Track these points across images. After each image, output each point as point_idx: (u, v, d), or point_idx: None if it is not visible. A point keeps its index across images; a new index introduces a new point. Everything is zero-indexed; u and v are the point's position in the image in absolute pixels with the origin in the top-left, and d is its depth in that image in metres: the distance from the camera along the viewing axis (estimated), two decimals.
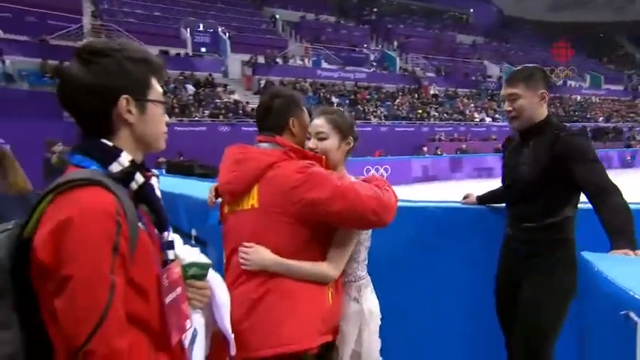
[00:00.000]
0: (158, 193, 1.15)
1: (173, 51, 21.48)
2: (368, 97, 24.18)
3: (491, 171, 16.87)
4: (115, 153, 1.05)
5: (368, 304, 1.78)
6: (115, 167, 1.03)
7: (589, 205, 1.82)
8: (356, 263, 1.78)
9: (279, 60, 24.60)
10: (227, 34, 24.25)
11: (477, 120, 26.31)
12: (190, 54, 22.45)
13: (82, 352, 0.88)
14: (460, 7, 43.09)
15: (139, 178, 1.07)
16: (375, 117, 22.54)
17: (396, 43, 32.87)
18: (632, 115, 33.64)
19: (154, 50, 20.71)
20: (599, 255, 1.46)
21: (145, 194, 1.09)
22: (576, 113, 30.99)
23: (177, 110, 17.56)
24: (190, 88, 19.48)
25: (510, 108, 2.00)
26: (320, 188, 1.56)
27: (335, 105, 22.41)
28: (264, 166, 1.62)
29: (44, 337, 0.95)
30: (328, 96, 23.01)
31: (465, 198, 2.46)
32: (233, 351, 1.42)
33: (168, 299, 1.08)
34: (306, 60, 26.08)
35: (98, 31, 21.07)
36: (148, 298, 1.04)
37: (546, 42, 42.85)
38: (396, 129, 22.25)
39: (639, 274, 1.29)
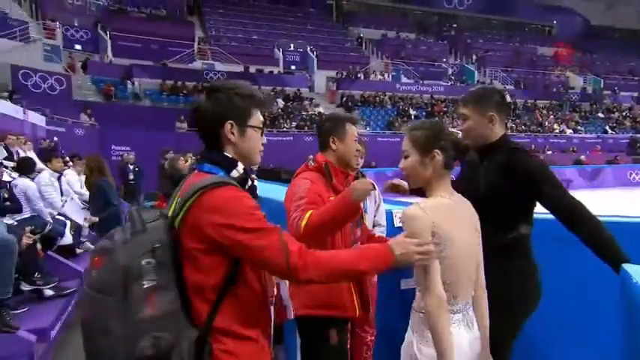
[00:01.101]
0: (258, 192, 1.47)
1: (267, 69, 22.54)
2: (445, 109, 23.47)
3: (569, 183, 15.57)
4: (235, 163, 1.34)
5: (424, 349, 1.44)
6: (234, 173, 1.32)
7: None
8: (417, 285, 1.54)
9: (360, 75, 24.78)
10: (314, 53, 24.91)
11: (557, 131, 24.41)
12: (282, 71, 23.40)
13: (291, 270, 1.22)
14: (543, 20, 40.17)
15: (249, 181, 1.36)
16: (452, 127, 21.76)
17: (474, 57, 31.52)
18: None
19: (251, 69, 21.97)
20: (638, 267, 1.41)
21: (252, 193, 1.36)
22: None
23: (267, 122, 18.39)
24: (280, 102, 20.28)
25: (461, 128, 1.94)
26: (287, 197, 1.99)
27: (412, 117, 22.12)
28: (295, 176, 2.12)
29: (184, 296, 1.23)
30: (406, 108, 22.72)
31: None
32: (291, 315, 1.76)
33: None
34: (386, 75, 25.97)
35: (204, 53, 22.79)
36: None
37: (637, 52, 38.51)
38: None
39: None
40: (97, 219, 5.17)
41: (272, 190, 3.78)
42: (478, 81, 27.76)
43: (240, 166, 1.33)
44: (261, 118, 1.40)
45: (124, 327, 1.12)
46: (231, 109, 1.33)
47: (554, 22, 40.22)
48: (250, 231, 1.20)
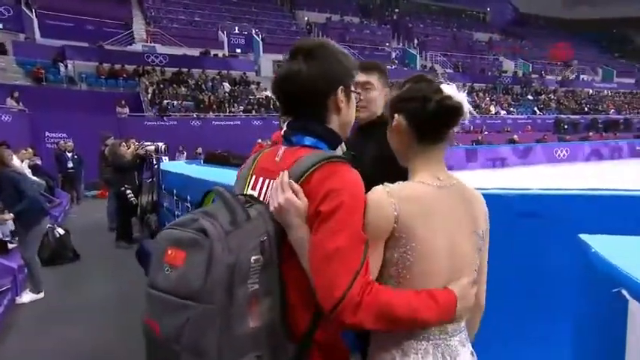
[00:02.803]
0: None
1: (211, 52, 21.71)
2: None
3: (504, 161, 16.46)
4: (340, 139, 1.12)
5: None
6: (338, 151, 1.10)
7: (582, 191, 1.77)
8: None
9: None
10: (260, 36, 24.30)
11: (493, 113, 25.66)
12: (227, 55, 22.65)
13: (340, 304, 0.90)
14: (477, 6, 41.78)
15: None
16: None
17: (416, 42, 32.22)
18: None
19: (194, 52, 21.05)
20: (595, 237, 1.42)
21: None
22: (588, 106, 29.80)
23: (214, 106, 17.79)
24: (226, 86, 19.68)
25: (362, 97, 1.74)
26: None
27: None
28: None
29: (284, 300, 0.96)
30: None
31: None
32: None
33: None
34: None
35: (144, 35, 21.52)
36: None
37: (560, 38, 41.14)
38: None
39: (635, 255, 1.26)
40: (12, 215, 4.65)
41: (221, 175, 3.62)
42: (421, 65, 28.45)
43: (343, 143, 1.13)
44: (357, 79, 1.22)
45: (221, 344, 0.84)
46: (343, 71, 1.09)
47: (488, 9, 41.97)
48: (341, 230, 0.92)
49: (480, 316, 1.19)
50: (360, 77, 1.72)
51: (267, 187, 1.03)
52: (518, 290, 2.15)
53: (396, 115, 1.10)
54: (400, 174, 1.28)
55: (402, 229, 0.99)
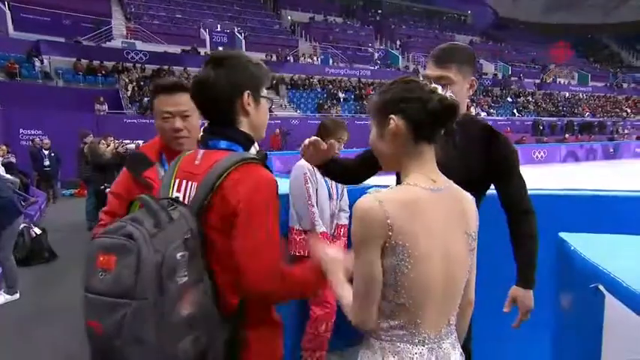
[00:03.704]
0: None
1: (191, 50, 21.47)
2: (372, 92, 24.01)
3: None
4: (252, 140, 1.23)
5: None
6: (252, 151, 1.21)
7: (564, 192, 1.83)
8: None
9: (290, 58, 24.47)
10: (243, 35, 24.14)
11: (473, 114, 26.06)
12: (209, 52, 22.42)
13: (258, 291, 1.07)
14: (459, 9, 42.41)
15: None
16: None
17: (398, 43, 32.49)
18: (615, 110, 33.09)
19: (175, 49, 20.77)
20: (574, 235, 1.48)
21: None
22: (565, 108, 30.58)
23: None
24: None
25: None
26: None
27: (341, 100, 22.37)
28: None
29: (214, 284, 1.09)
30: (335, 91, 22.89)
31: (304, 149, 1.71)
32: None
33: None
34: (315, 58, 25.91)
35: (123, 31, 21.12)
36: None
37: (539, 42, 42.09)
38: None
39: (611, 252, 1.32)
40: None
41: None
42: (405, 66, 28.71)
43: (256, 144, 1.23)
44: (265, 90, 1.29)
45: (159, 332, 0.95)
46: (248, 77, 1.20)
47: (469, 12, 42.65)
48: (261, 226, 1.08)
49: (470, 311, 1.20)
50: (433, 71, 1.58)
51: (189, 189, 1.14)
52: (500, 286, 2.20)
53: (393, 117, 1.06)
54: (477, 173, 1.43)
55: (398, 236, 0.98)
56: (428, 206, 1.03)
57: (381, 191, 1.03)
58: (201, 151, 1.19)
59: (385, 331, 1.03)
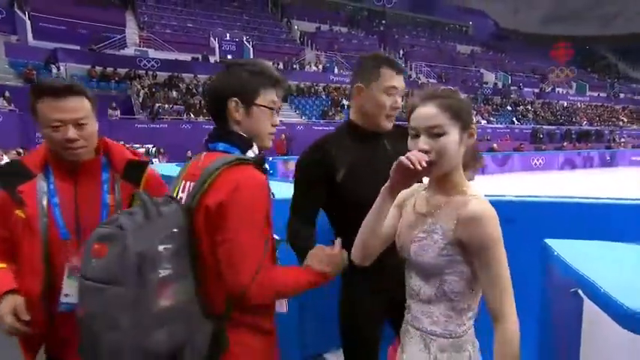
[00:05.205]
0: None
1: (202, 58, 21.62)
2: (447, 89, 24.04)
3: (484, 168, 16.68)
4: (250, 143, 1.20)
5: None
6: (250, 154, 1.18)
7: (551, 199, 1.84)
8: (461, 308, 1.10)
9: (296, 66, 24.57)
10: (251, 43, 24.29)
11: (474, 122, 26.02)
12: (218, 60, 22.58)
13: (242, 297, 1.05)
14: (460, 20, 42.44)
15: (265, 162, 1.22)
16: None
17: (401, 52, 32.54)
18: (612, 119, 32.94)
19: (185, 57, 20.94)
20: (558, 241, 1.49)
21: (268, 175, 1.22)
22: (563, 117, 30.45)
23: (205, 111, 17.68)
24: None
25: (400, 105, 1.58)
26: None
27: (345, 107, 22.40)
28: None
29: (203, 285, 1.09)
30: (339, 98, 22.95)
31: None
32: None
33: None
34: (320, 66, 26.01)
35: (137, 40, 21.33)
36: (270, 258, 1.20)
37: (538, 52, 42.00)
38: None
39: (592, 258, 1.33)
40: None
41: None
42: (408, 75, 28.74)
43: (256, 147, 1.20)
44: (274, 98, 1.23)
45: (135, 320, 0.96)
46: (237, 85, 1.18)
47: (470, 23, 42.68)
48: (246, 227, 1.07)
49: None
50: (397, 82, 1.56)
51: (190, 189, 1.15)
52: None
53: (473, 127, 1.12)
54: None
55: None
56: None
57: (479, 195, 1.09)
58: (204, 153, 1.21)
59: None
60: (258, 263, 1.07)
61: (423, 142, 1.04)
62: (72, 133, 1.27)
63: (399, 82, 1.54)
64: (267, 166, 1.21)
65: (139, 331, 0.96)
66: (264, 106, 1.21)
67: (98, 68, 17.75)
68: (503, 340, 0.99)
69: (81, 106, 1.29)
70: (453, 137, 1.05)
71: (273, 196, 1.22)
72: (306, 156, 1.50)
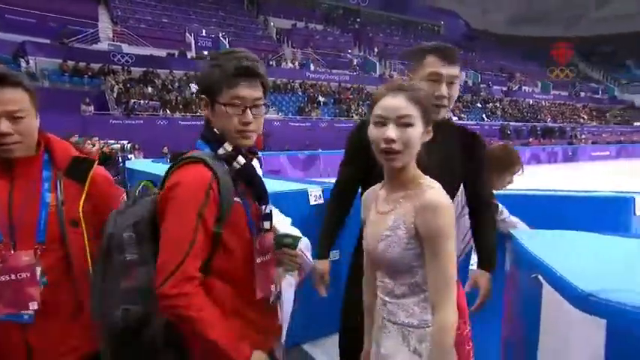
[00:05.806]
0: (259, 172, 1.22)
1: (179, 54, 21.18)
2: (351, 97, 24.18)
3: None
4: (222, 140, 1.13)
5: None
6: (220, 151, 1.13)
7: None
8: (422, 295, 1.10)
9: (272, 63, 24.39)
10: (227, 39, 23.93)
11: (446, 118, 26.48)
12: (194, 56, 22.16)
13: (158, 293, 1.01)
14: (433, 20, 43.04)
15: (241, 159, 1.14)
16: (357, 115, 22.60)
17: (376, 50, 32.77)
18: (574, 117, 34.28)
19: (161, 52, 20.45)
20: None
21: (245, 173, 1.15)
22: (529, 114, 31.45)
23: (181, 106, 17.37)
24: (194, 87, 19.27)
25: (446, 93, 1.49)
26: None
27: (322, 104, 22.42)
28: None
29: None
30: (315, 95, 22.95)
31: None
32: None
33: (258, 260, 1.17)
34: (296, 63, 25.91)
35: (110, 34, 20.69)
36: (233, 255, 1.12)
37: (505, 52, 43.09)
38: None
39: (552, 245, 1.40)
40: None
41: None
42: (382, 73, 28.96)
43: (228, 145, 1.12)
44: (240, 93, 1.10)
45: (101, 295, 1.08)
46: (202, 81, 1.16)
47: (442, 23, 43.32)
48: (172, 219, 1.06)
49: None
50: (449, 70, 1.47)
51: None
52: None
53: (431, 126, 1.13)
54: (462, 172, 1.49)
55: None
56: None
57: (434, 185, 1.10)
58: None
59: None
60: (176, 263, 1.01)
61: (392, 130, 1.05)
62: (5, 126, 1.14)
63: (446, 69, 1.46)
64: (238, 163, 1.13)
65: (104, 308, 1.06)
66: (227, 104, 1.11)
67: (70, 63, 17.13)
68: (437, 328, 1.04)
69: (16, 98, 1.17)
70: (418, 130, 1.07)
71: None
72: (354, 130, 1.57)
